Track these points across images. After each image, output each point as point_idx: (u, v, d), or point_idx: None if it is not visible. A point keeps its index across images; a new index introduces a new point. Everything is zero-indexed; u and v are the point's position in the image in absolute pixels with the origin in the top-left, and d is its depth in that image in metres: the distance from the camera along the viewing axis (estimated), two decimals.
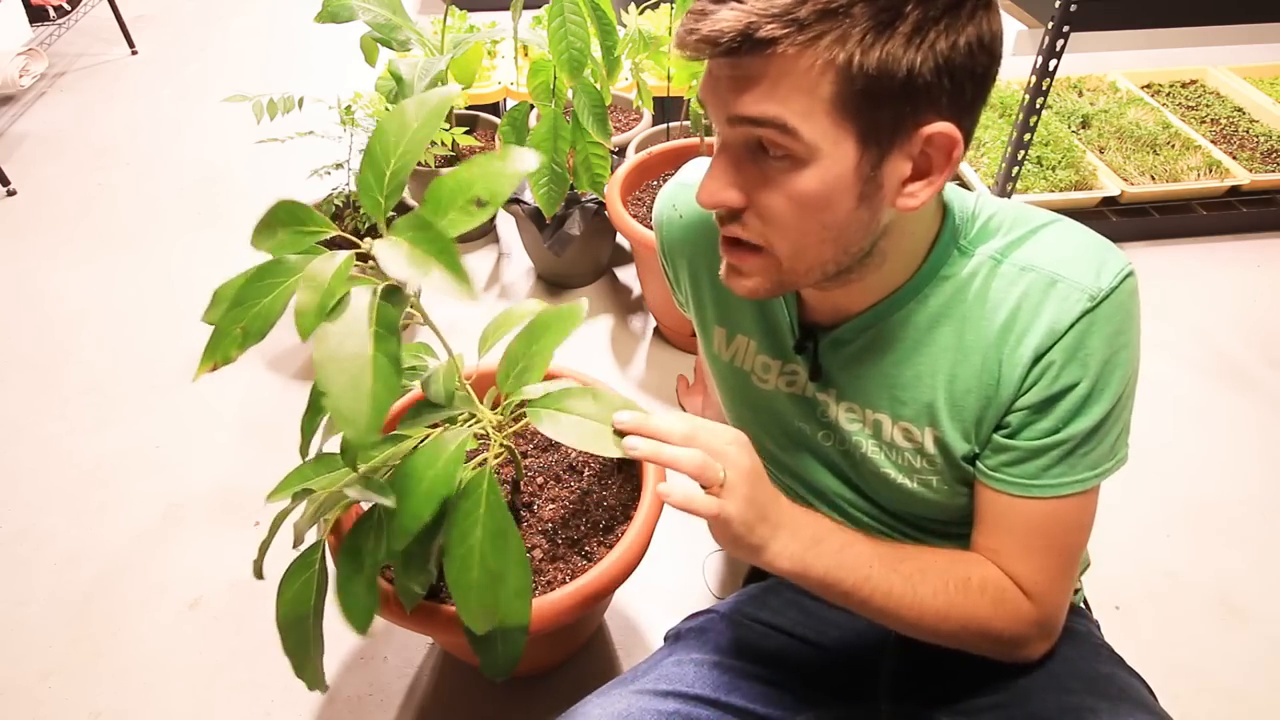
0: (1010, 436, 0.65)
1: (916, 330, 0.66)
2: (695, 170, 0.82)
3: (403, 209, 1.79)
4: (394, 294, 0.65)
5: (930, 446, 0.69)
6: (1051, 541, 0.67)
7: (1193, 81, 2.40)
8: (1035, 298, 0.62)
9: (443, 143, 1.74)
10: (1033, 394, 0.63)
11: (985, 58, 0.53)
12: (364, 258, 0.64)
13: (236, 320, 0.65)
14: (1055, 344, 0.61)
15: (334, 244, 0.69)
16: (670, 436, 0.59)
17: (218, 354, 0.64)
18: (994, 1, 0.53)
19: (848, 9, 0.49)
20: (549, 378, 0.85)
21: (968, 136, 0.56)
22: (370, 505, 0.80)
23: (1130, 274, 0.62)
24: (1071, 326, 0.61)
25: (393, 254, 0.61)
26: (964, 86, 0.53)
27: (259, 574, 0.85)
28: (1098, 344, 0.61)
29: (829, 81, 0.51)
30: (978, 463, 0.68)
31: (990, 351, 0.64)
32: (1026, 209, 0.67)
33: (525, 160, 0.70)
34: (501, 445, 0.86)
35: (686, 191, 0.80)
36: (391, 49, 1.50)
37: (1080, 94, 2.33)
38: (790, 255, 0.59)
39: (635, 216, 1.59)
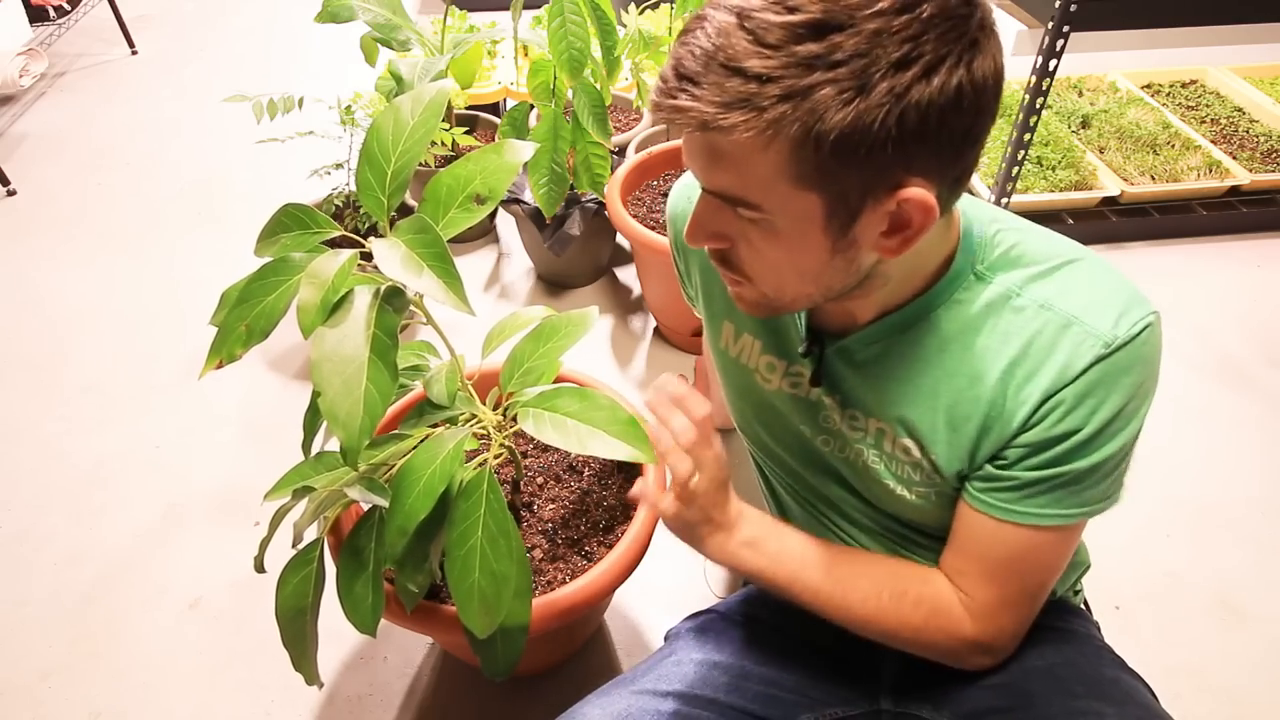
0: (1005, 468, 0.65)
1: (925, 350, 0.66)
2: None
3: (403, 210, 1.79)
4: (396, 295, 0.65)
5: (926, 464, 0.69)
6: (1016, 570, 0.67)
7: (1193, 81, 2.40)
8: (1049, 337, 0.61)
9: (443, 143, 1.74)
10: (1035, 432, 0.62)
11: (969, 114, 0.50)
12: (367, 256, 0.64)
13: (241, 318, 0.65)
14: (1065, 387, 0.60)
15: (336, 244, 0.69)
16: (679, 438, 0.68)
17: (223, 352, 0.64)
18: (985, 43, 0.50)
19: (810, 90, 0.47)
20: (557, 381, 0.86)
21: (958, 182, 0.55)
22: (370, 505, 0.80)
23: (1150, 325, 0.60)
24: (1084, 372, 0.60)
25: (390, 254, 0.61)
26: (941, 146, 0.51)
27: (260, 568, 0.86)
28: (1108, 393, 0.60)
29: (791, 158, 0.50)
30: (966, 483, 0.68)
31: (995, 384, 0.63)
32: (1052, 240, 0.65)
33: (521, 151, 0.70)
34: (502, 445, 0.86)
35: None
36: (391, 49, 1.50)
37: (1080, 94, 2.33)
38: (774, 290, 0.62)
39: (635, 216, 1.59)
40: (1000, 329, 0.63)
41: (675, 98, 0.51)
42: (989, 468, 0.66)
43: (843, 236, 0.55)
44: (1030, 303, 0.62)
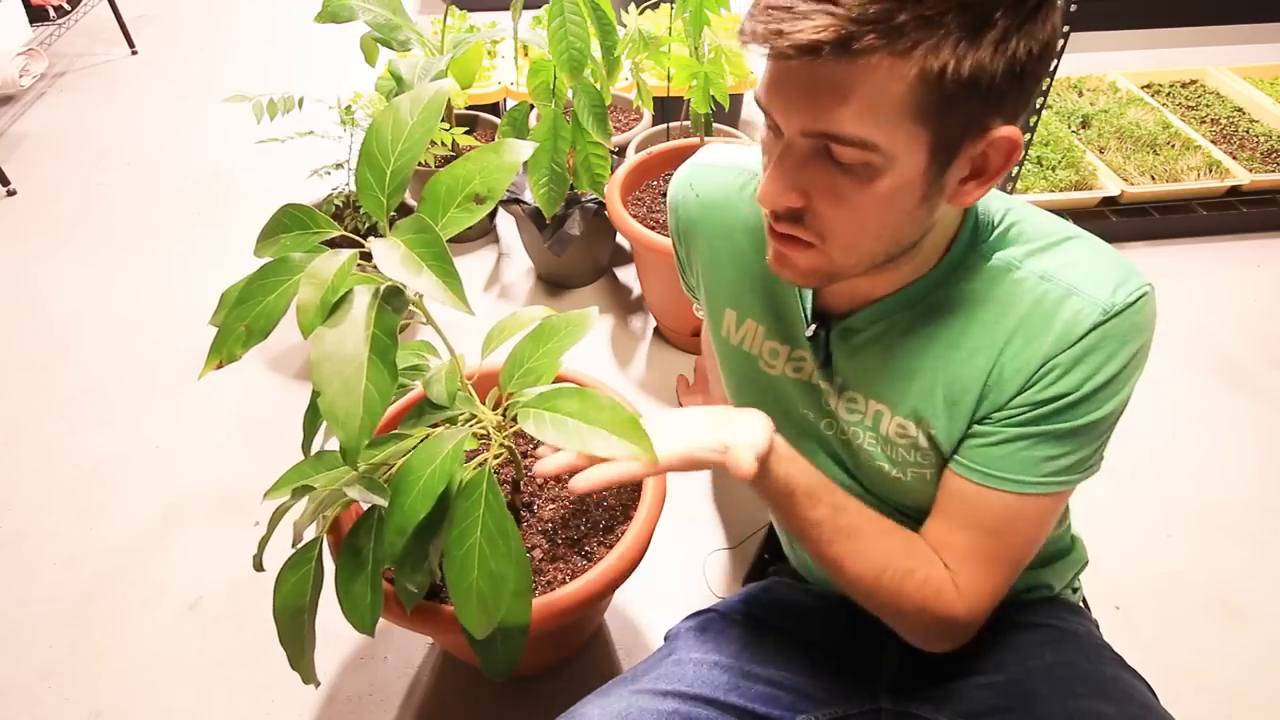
0: (992, 424, 0.65)
1: (925, 327, 0.67)
2: (712, 152, 0.82)
3: (403, 210, 1.79)
4: (395, 295, 0.66)
5: (924, 442, 0.69)
6: (1000, 544, 0.67)
7: (1193, 81, 2.40)
8: (1048, 306, 0.62)
9: (442, 143, 1.74)
10: (1029, 393, 0.63)
11: (1049, 59, 0.53)
12: (367, 256, 0.64)
13: (241, 318, 0.65)
14: (1063, 352, 0.61)
15: (336, 244, 0.69)
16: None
17: (223, 352, 0.64)
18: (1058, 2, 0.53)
19: (942, 16, 0.47)
20: (557, 381, 0.86)
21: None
22: (370, 505, 0.80)
23: (1146, 295, 0.61)
24: (1082, 337, 0.60)
25: (389, 254, 0.61)
26: (1030, 90, 0.53)
27: (259, 567, 0.85)
28: (1104, 358, 0.61)
29: (916, 91, 0.50)
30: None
31: (993, 353, 0.64)
32: (1050, 222, 0.66)
33: (520, 151, 0.70)
34: (502, 445, 0.86)
35: (704, 172, 0.80)
36: (391, 49, 1.50)
37: (1080, 94, 2.32)
38: (843, 251, 0.59)
39: (635, 216, 1.59)
40: (999, 300, 0.64)
41: (799, 15, 0.48)
42: (976, 426, 0.66)
43: (936, 180, 0.55)
44: (1030, 274, 0.63)
